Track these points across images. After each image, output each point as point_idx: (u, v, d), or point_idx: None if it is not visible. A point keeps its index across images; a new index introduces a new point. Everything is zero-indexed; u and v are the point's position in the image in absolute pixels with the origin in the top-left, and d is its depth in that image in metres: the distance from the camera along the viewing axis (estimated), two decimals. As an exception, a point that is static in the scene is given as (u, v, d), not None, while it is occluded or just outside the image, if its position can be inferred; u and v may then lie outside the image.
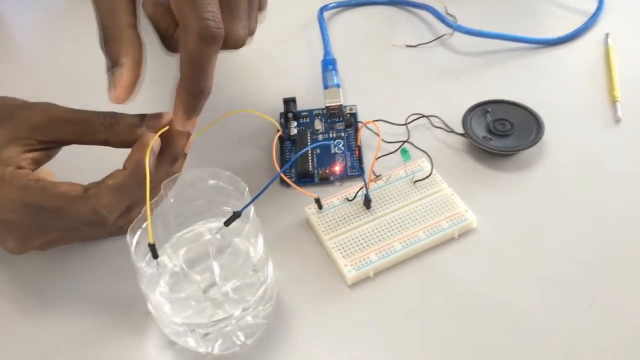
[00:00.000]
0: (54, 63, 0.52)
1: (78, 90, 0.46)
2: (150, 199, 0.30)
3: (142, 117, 0.35)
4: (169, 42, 0.34)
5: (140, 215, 0.30)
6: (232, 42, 0.33)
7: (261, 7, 0.37)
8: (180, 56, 0.32)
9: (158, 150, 0.34)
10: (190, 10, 0.30)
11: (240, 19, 0.33)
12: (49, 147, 0.35)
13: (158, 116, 0.35)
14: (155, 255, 0.30)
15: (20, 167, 0.33)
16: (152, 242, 0.29)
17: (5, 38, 0.55)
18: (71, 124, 0.34)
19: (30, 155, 0.34)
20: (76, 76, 0.50)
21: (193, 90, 0.32)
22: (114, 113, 0.35)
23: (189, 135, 0.35)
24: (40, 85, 0.49)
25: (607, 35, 0.50)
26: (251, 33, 0.35)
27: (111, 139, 0.34)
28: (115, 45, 0.32)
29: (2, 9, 0.58)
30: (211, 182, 0.33)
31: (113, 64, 0.32)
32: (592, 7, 0.53)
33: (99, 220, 0.32)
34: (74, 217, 0.32)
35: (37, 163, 0.35)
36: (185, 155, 0.36)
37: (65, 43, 0.54)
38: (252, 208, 0.31)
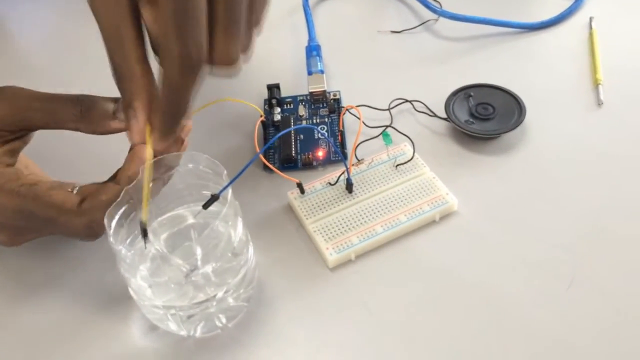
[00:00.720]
0: (59, 64, 0.52)
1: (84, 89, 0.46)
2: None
3: (115, 101, 0.34)
4: (157, 48, 0.32)
5: (118, 200, 0.30)
6: (224, 63, 0.31)
7: (256, 22, 0.34)
8: (159, 75, 0.30)
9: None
10: (173, 35, 0.28)
11: (234, 38, 0.31)
12: (22, 135, 0.35)
13: None
14: (145, 234, 0.30)
15: (7, 165, 0.33)
16: (144, 221, 0.30)
17: (8, 40, 0.55)
18: (39, 113, 0.33)
19: (6, 147, 0.34)
20: (81, 75, 0.50)
21: (169, 112, 0.31)
22: (86, 99, 0.34)
23: (182, 141, 0.35)
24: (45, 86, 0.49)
25: (591, 19, 0.50)
26: (245, 51, 0.33)
27: (82, 129, 0.34)
28: (126, 84, 0.31)
29: (5, 12, 0.57)
30: (190, 166, 0.33)
31: (126, 104, 0.31)
32: (576, -9, 0.53)
33: (90, 235, 0.32)
34: (65, 229, 0.32)
35: (15, 152, 0.35)
36: (182, 142, 0.35)
37: (71, 45, 0.54)
38: (229, 191, 0.31)
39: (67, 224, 0.32)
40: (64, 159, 0.37)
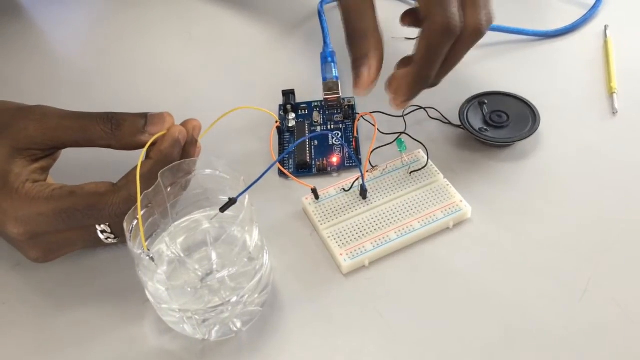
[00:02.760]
0: (91, 67, 0.53)
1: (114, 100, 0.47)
2: (147, 188, 0.31)
3: (144, 117, 0.35)
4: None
5: (136, 204, 0.31)
6: (475, 32, 0.36)
7: None
8: (417, 45, 0.36)
9: (184, 141, 0.35)
10: (438, 5, 0.34)
11: (481, 9, 0.36)
12: (51, 153, 0.35)
13: (161, 119, 0.35)
14: (152, 260, 0.30)
15: (36, 181, 0.34)
16: (149, 253, 0.30)
17: (44, 48, 0.56)
18: (70, 132, 0.34)
19: (37, 165, 0.35)
20: (113, 78, 0.51)
21: (419, 75, 0.36)
22: (115, 117, 0.35)
23: (196, 142, 0.36)
24: (79, 95, 0.50)
25: (606, 27, 0.50)
26: (489, 22, 0.37)
27: (113, 145, 0.35)
28: (362, 44, 0.36)
29: (43, 23, 0.58)
30: (207, 171, 0.33)
31: (359, 61, 0.36)
32: (591, -1, 0.53)
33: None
34: (107, 211, 0.33)
35: (46, 169, 0.35)
36: (196, 142, 0.37)
37: (104, 48, 0.54)
38: (246, 196, 0.31)
39: (108, 205, 0.33)
40: (72, 173, 0.38)
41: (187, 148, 0.36)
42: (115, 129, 0.34)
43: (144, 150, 0.34)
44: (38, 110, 0.35)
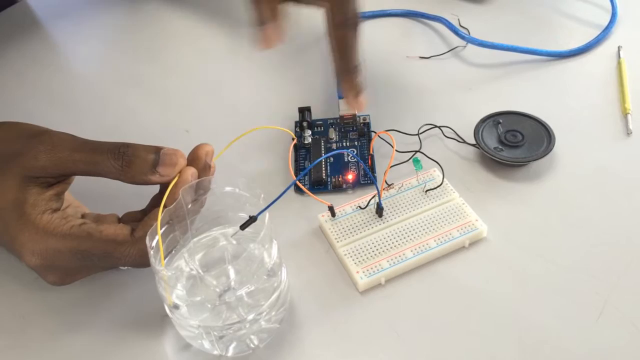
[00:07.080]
0: (110, 88, 0.53)
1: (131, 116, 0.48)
2: (169, 205, 0.31)
3: (157, 152, 0.34)
4: None
5: (159, 220, 0.31)
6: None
7: None
8: (329, 44, 0.40)
9: (195, 180, 0.35)
10: (339, 5, 0.38)
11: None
12: (64, 179, 0.35)
13: (173, 161, 0.34)
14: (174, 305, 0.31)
15: (54, 210, 0.34)
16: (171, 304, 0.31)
17: (60, 64, 0.57)
18: (80, 164, 0.34)
19: (52, 191, 0.34)
20: (128, 103, 0.51)
21: (344, 67, 0.40)
22: (127, 152, 0.33)
23: (209, 167, 0.36)
24: (94, 111, 0.50)
25: (619, 48, 0.51)
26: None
27: (122, 180, 0.34)
28: (261, 5, 0.38)
29: (58, 38, 0.59)
30: (227, 188, 0.34)
31: (260, 22, 0.38)
32: (604, 20, 0.53)
33: (147, 261, 0.32)
34: (123, 260, 0.33)
35: (61, 194, 0.35)
36: (210, 167, 0.37)
37: (119, 70, 0.55)
38: (267, 214, 0.32)
39: (124, 254, 0.33)
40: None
41: (201, 174, 0.35)
42: (125, 166, 0.33)
43: (163, 201, 0.33)
44: (49, 140, 0.34)
